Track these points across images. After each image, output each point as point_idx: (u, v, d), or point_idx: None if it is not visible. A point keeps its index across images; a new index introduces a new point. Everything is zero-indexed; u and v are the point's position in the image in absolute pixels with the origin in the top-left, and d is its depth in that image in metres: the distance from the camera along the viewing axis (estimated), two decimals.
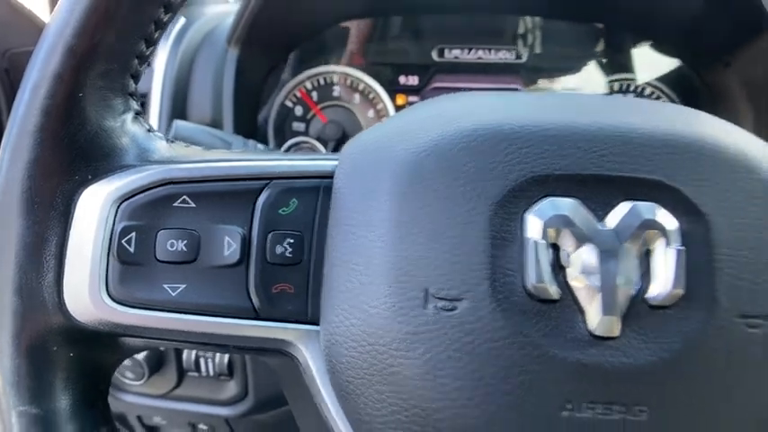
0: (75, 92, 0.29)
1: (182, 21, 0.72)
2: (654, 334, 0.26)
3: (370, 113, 0.77)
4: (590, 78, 0.77)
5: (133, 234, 0.30)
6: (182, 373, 0.72)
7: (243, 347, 0.32)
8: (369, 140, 0.32)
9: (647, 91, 0.75)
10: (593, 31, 0.77)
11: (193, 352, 0.69)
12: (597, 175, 0.28)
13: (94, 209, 0.30)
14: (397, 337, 0.27)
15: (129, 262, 0.30)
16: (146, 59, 0.33)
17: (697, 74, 0.72)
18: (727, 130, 0.30)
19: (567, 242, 0.27)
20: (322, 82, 0.77)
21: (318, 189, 0.32)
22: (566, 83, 0.77)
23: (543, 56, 0.77)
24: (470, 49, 0.77)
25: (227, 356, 0.69)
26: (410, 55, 0.78)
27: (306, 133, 0.77)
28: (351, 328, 0.29)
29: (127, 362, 0.67)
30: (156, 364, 0.70)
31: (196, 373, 0.71)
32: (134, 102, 0.33)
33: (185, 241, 0.30)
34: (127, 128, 0.33)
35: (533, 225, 0.27)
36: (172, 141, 0.35)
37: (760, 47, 0.62)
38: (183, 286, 0.30)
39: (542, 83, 0.77)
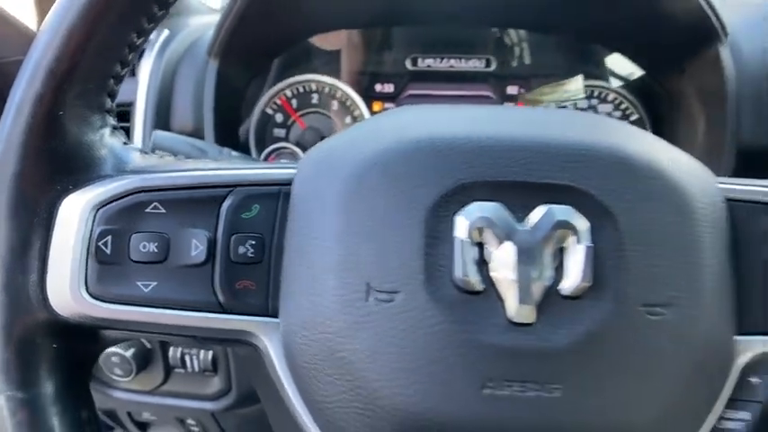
0: (56, 110, 0.32)
1: (165, 33, 0.76)
2: (565, 321, 0.30)
3: (348, 120, 0.81)
4: (554, 83, 0.80)
5: (109, 237, 0.33)
6: (168, 370, 0.75)
7: (210, 338, 0.35)
8: (322, 152, 0.36)
9: (611, 97, 0.79)
10: (561, 41, 0.81)
11: (179, 349, 0.73)
12: (518, 181, 0.31)
13: (74, 215, 0.33)
14: (344, 326, 0.31)
15: (106, 262, 0.33)
16: (121, 79, 0.36)
17: (657, 81, 0.76)
18: (637, 139, 0.34)
19: (489, 240, 0.30)
20: (301, 90, 0.81)
21: (279, 195, 0.35)
22: (534, 89, 0.81)
23: (512, 65, 0.81)
24: (442, 59, 0.80)
25: (210, 353, 0.72)
26: (385, 64, 0.82)
27: (286, 139, 0.81)
28: (305, 320, 0.32)
29: (115, 359, 0.71)
30: (143, 361, 0.73)
31: (182, 370, 0.74)
32: (111, 117, 0.37)
33: (156, 243, 0.34)
34: (104, 141, 0.36)
35: (461, 226, 0.31)
36: (146, 153, 0.38)
37: (710, 56, 0.66)
38: (155, 283, 0.34)
39: (511, 90, 0.81)
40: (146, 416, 0.86)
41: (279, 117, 0.81)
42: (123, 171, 0.36)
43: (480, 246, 0.31)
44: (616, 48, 0.78)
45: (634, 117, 0.79)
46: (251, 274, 0.34)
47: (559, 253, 0.31)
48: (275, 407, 0.36)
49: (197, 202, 0.35)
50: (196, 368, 0.74)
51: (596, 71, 0.80)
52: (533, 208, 0.31)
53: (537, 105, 0.79)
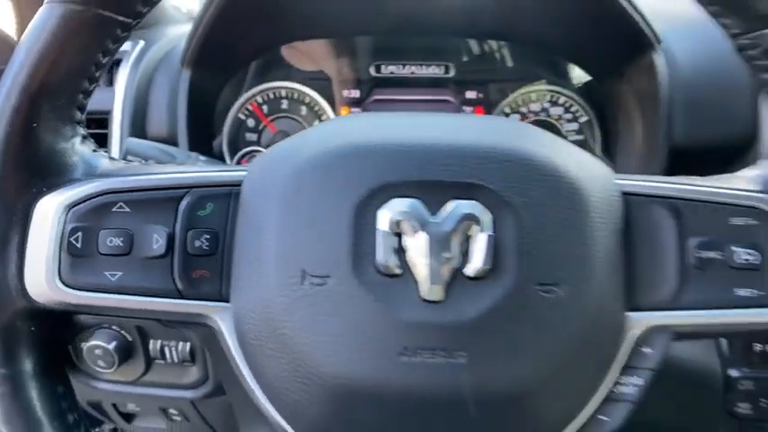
0: (31, 123, 0.37)
1: (141, 44, 0.80)
2: (470, 299, 0.35)
3: (316, 124, 0.86)
4: (510, 88, 0.86)
5: (80, 233, 0.38)
6: (149, 361, 0.79)
7: (171, 321, 0.40)
8: (268, 157, 0.41)
9: (562, 100, 0.84)
10: (516, 48, 0.86)
11: (159, 341, 0.77)
12: (431, 180, 0.36)
13: (48, 214, 0.38)
14: (283, 306, 0.36)
15: (77, 255, 0.38)
16: (89, 93, 0.41)
17: (601, 85, 0.82)
18: (539, 142, 0.39)
19: (407, 231, 0.36)
20: (272, 96, 0.86)
21: (230, 195, 0.40)
22: (489, 93, 0.86)
23: (470, 71, 0.86)
24: (404, 65, 0.85)
25: (189, 344, 0.77)
26: (351, 71, 0.87)
27: (258, 143, 0.86)
28: (251, 303, 0.37)
29: (98, 351, 0.75)
30: (124, 353, 0.77)
31: (162, 361, 0.79)
32: (81, 128, 0.42)
33: (121, 238, 0.39)
34: (75, 149, 0.41)
35: (383, 219, 0.36)
36: (114, 158, 0.43)
37: (645, 62, 0.71)
38: (121, 273, 0.39)
39: (470, 94, 0.86)
40: (130, 407, 0.90)
41: (251, 122, 0.86)
42: (92, 175, 0.41)
43: (399, 236, 0.36)
44: (564, 55, 0.83)
45: (583, 119, 0.84)
46: (206, 264, 0.39)
47: (466, 241, 0.36)
48: (231, 381, 0.41)
49: (157, 201, 0.40)
50: (175, 359, 0.78)
51: (549, 76, 0.85)
52: (445, 203, 0.36)
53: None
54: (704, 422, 0.70)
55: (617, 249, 0.39)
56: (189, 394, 0.82)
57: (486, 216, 0.36)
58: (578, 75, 0.86)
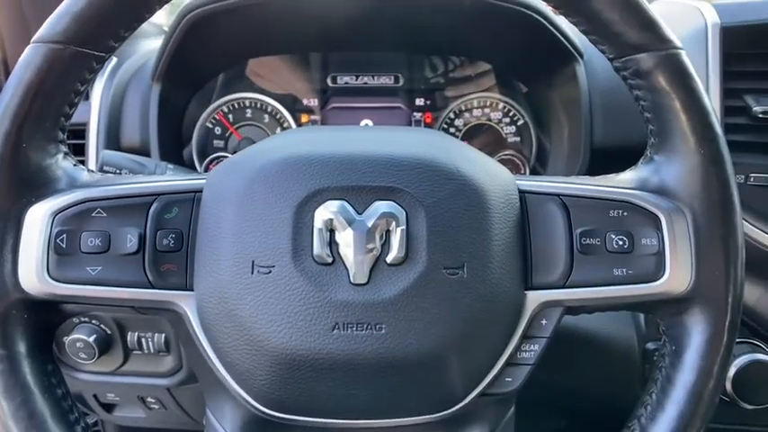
0: (20, 144, 0.44)
1: (113, 60, 0.87)
2: (389, 282, 0.43)
3: (278, 131, 0.94)
4: (452, 96, 0.94)
5: (64, 235, 0.45)
6: (127, 352, 0.86)
7: (144, 308, 0.48)
8: (224, 167, 0.48)
9: (501, 105, 0.93)
10: (458, 60, 0.95)
11: (136, 333, 0.84)
12: (359, 185, 0.44)
13: (38, 220, 0.45)
14: (236, 292, 0.43)
15: (62, 254, 0.45)
16: (70, 116, 0.48)
17: (535, 94, 0.91)
18: (450, 150, 0.47)
19: (338, 227, 0.43)
20: (237, 106, 0.93)
21: (193, 200, 0.48)
22: (436, 100, 0.94)
23: (417, 79, 0.94)
24: (357, 76, 0.93)
25: (164, 335, 0.84)
26: (310, 82, 0.94)
27: (225, 149, 0.93)
28: (211, 290, 0.45)
29: (79, 344, 0.82)
30: (104, 345, 0.84)
31: (139, 351, 0.86)
32: (63, 146, 0.49)
33: (100, 239, 0.46)
34: (59, 164, 0.48)
35: (318, 218, 0.43)
36: (92, 171, 0.50)
37: (569, 72, 0.80)
38: (100, 268, 0.46)
39: (419, 101, 0.94)
40: (110, 397, 0.97)
41: (218, 130, 0.93)
42: (74, 186, 0.48)
43: (332, 231, 0.44)
44: (501, 68, 0.92)
45: (521, 122, 0.93)
46: (172, 259, 0.47)
47: (387, 234, 0.44)
48: (196, 358, 0.48)
49: (130, 207, 0.47)
50: (152, 349, 0.85)
51: (492, 85, 0.94)
52: (369, 204, 0.44)
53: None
54: (626, 390, 0.79)
55: (515, 239, 0.47)
56: (165, 382, 0.89)
57: (401, 213, 0.44)
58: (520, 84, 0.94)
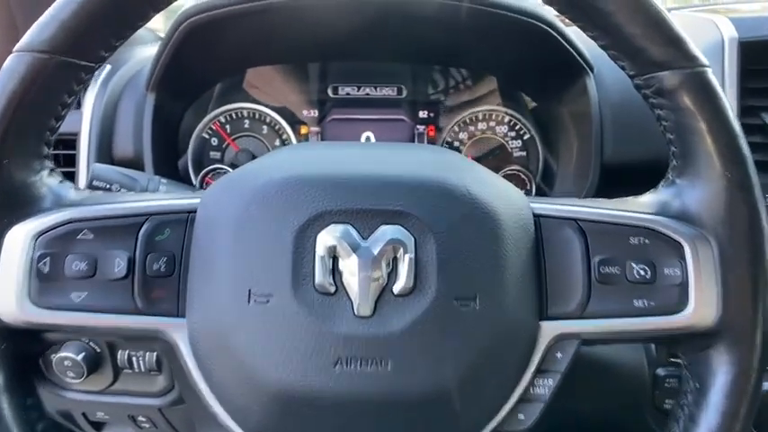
0: (1, 160, 0.41)
1: (107, 68, 0.84)
2: (395, 314, 0.40)
3: (277, 142, 0.91)
4: (457, 109, 0.91)
5: (48, 259, 0.42)
6: (117, 371, 0.83)
7: (132, 337, 0.44)
8: (220, 186, 0.45)
9: (506, 119, 0.90)
10: (464, 72, 0.92)
11: (126, 351, 0.81)
12: (364, 208, 0.41)
13: (18, 242, 0.42)
14: (232, 322, 0.40)
15: (45, 278, 0.42)
16: (56, 130, 0.45)
17: (542, 108, 0.88)
18: (460, 171, 0.44)
19: (341, 254, 0.40)
20: (234, 116, 0.90)
21: (187, 221, 0.45)
22: (440, 113, 0.92)
23: (421, 91, 0.92)
24: (359, 87, 0.91)
25: (155, 354, 0.81)
26: (310, 92, 0.92)
27: (221, 161, 0.90)
28: (204, 319, 0.42)
29: (67, 363, 0.78)
30: (93, 364, 0.81)
31: (130, 370, 0.82)
32: (48, 162, 0.46)
33: (86, 262, 0.43)
34: (44, 181, 0.45)
35: (321, 243, 0.40)
36: (79, 189, 0.47)
37: (579, 86, 0.78)
38: (86, 293, 0.43)
39: (422, 114, 0.92)
40: (100, 415, 0.93)
41: (214, 141, 0.90)
42: (60, 205, 0.45)
43: (335, 258, 0.41)
44: (507, 81, 0.89)
45: (527, 136, 0.90)
46: (163, 284, 0.44)
47: (394, 261, 0.41)
48: (187, 389, 0.45)
49: (119, 228, 0.44)
50: (142, 368, 0.82)
51: (498, 98, 0.91)
52: (375, 228, 0.41)
53: None
54: (636, 417, 0.76)
55: (529, 266, 0.44)
56: (156, 402, 0.86)
57: (409, 240, 0.41)
58: (526, 97, 0.92)
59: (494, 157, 0.91)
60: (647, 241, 0.45)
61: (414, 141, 0.91)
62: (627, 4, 0.43)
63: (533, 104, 0.92)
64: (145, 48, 1.00)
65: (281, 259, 0.40)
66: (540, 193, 0.89)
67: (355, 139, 0.91)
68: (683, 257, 0.44)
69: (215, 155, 0.90)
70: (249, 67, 0.88)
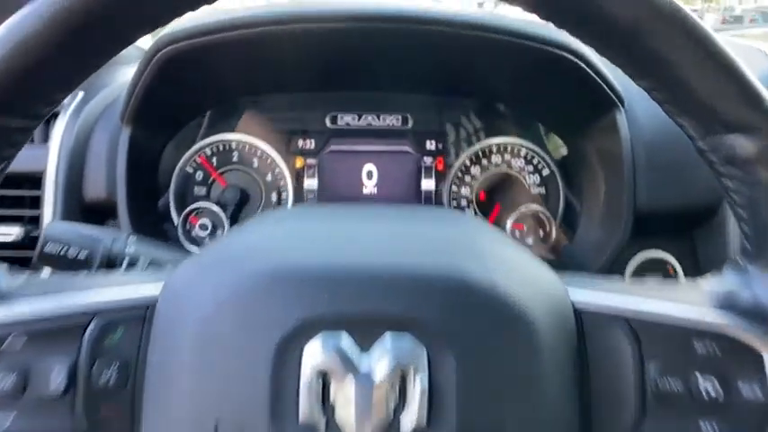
0: None
1: (80, 94, 0.75)
2: None
3: (269, 177, 0.82)
4: (468, 140, 0.83)
5: None
6: None
7: None
8: (187, 269, 0.37)
9: (523, 152, 0.81)
10: (476, 102, 0.83)
11: None
12: (362, 312, 0.33)
13: None
14: None
15: None
16: None
17: (565, 142, 0.79)
18: (482, 258, 0.36)
19: (334, 374, 0.31)
20: (221, 148, 0.81)
21: (143, 318, 0.36)
22: (449, 144, 0.83)
23: (428, 120, 0.83)
24: (360, 116, 0.82)
25: None
26: (306, 122, 0.82)
27: (207, 197, 0.81)
28: None
29: None
30: None
31: None
32: None
33: (15, 373, 0.34)
34: None
35: (308, 360, 0.32)
36: (10, 273, 0.38)
37: (608, 121, 0.69)
38: (14, 414, 0.34)
39: (429, 145, 0.83)
40: None
41: (199, 175, 0.81)
42: None
43: (325, 378, 0.32)
44: (525, 111, 0.80)
45: (546, 172, 0.81)
46: (114, 398, 0.35)
47: (402, 384, 0.32)
48: None
49: (59, 331, 0.35)
50: None
51: (512, 128, 0.82)
52: (377, 337, 0.32)
53: None
54: None
55: (570, 380, 0.35)
56: None
57: (421, 356, 0.32)
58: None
59: (509, 195, 0.82)
60: (716, 347, 0.36)
61: (420, 175, 0.82)
62: (695, 51, 0.34)
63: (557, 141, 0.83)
64: (128, 69, 0.90)
65: (258, 381, 0.32)
66: (561, 236, 0.80)
67: (355, 172, 0.82)
68: (762, 370, 0.35)
69: (200, 191, 0.81)
70: (236, 98, 0.79)
